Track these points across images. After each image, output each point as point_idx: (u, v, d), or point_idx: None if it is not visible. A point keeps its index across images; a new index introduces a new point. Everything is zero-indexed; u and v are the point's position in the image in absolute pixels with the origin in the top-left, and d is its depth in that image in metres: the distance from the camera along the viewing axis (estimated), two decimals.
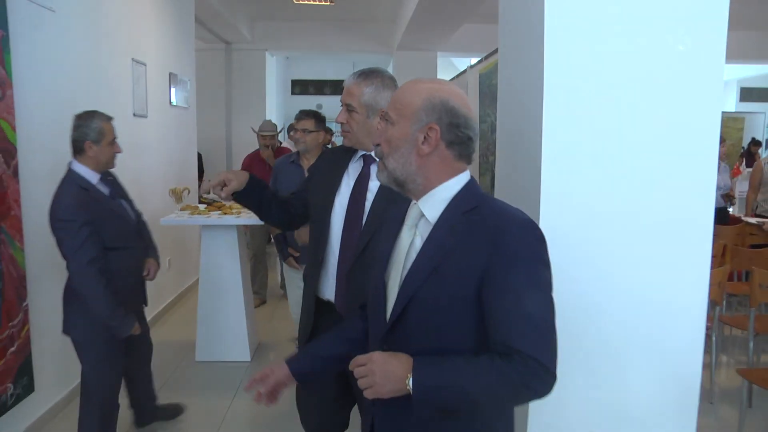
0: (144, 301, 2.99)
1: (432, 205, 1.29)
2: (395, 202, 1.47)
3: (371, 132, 1.90)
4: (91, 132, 2.64)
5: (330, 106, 14.71)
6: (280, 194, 2.36)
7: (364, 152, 2.01)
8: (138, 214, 2.99)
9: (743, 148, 10.99)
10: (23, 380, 3.03)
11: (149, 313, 4.24)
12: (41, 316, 3.16)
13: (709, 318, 3.67)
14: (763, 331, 3.55)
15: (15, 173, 2.95)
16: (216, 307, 4.06)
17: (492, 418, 1.30)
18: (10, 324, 2.91)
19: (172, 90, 5.53)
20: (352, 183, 2.01)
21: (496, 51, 4.99)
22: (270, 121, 5.41)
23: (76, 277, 2.56)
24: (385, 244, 1.38)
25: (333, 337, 1.55)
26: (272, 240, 4.34)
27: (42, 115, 3.22)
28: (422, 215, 1.31)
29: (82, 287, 2.55)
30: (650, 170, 2.12)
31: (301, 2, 8.33)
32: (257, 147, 5.35)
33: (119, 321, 2.61)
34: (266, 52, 10.02)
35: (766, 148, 9.08)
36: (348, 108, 1.95)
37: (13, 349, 2.93)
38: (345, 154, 2.08)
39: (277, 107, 11.59)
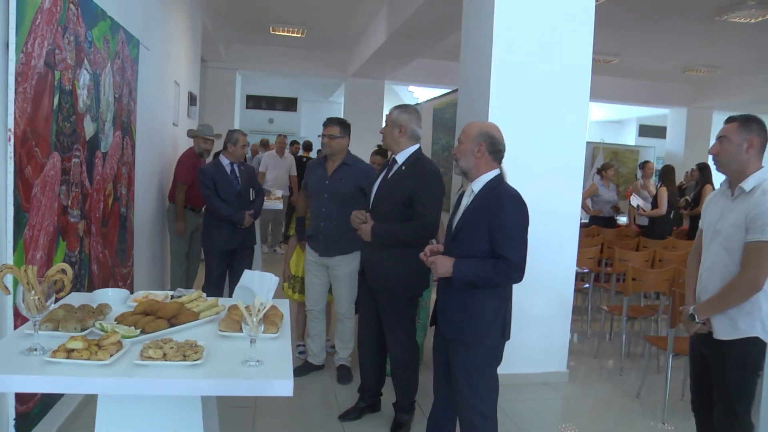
0: (253, 239, 4.90)
1: (477, 184, 2.47)
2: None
3: (394, 138, 3.25)
4: (232, 138, 4.65)
5: (280, 120, 16.07)
6: (309, 190, 3.97)
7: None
8: (250, 188, 4.86)
9: (635, 176, 13.34)
10: None
11: None
12: (139, 259, 4.51)
13: (586, 282, 5.54)
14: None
15: (134, 162, 4.30)
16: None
17: (490, 293, 2.44)
18: (129, 263, 4.25)
19: (189, 105, 6.88)
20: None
21: (451, 92, 6.78)
22: (211, 126, 5.88)
23: (208, 202, 4.62)
24: (455, 208, 2.61)
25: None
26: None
27: (143, 122, 4.58)
28: (472, 190, 2.50)
29: (214, 209, 4.60)
30: (542, 174, 3.90)
31: (276, 32, 9.81)
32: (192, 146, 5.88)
33: (235, 216, 4.60)
34: (237, 71, 11.37)
35: (655, 177, 11.13)
36: (385, 123, 3.31)
37: (129, 280, 4.27)
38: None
39: (240, 119, 12.85)
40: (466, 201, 2.52)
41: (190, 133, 5.57)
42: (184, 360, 1.47)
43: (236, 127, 11.86)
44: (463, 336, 2.47)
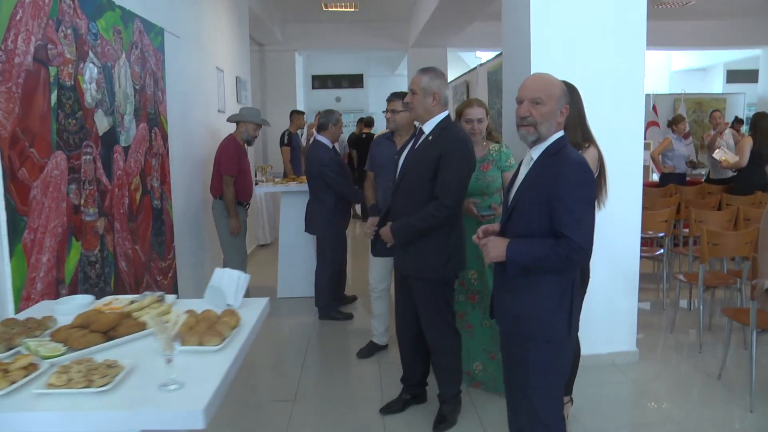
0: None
1: (537, 150, 2.06)
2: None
3: (427, 107, 2.92)
4: (332, 119, 4.73)
5: (348, 98, 15.94)
6: (375, 164, 3.78)
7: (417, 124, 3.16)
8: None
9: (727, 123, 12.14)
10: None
11: None
12: (181, 252, 4.48)
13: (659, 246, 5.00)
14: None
15: (167, 152, 4.24)
16: (294, 256, 5.35)
17: (551, 278, 2.04)
18: (168, 257, 4.22)
19: (238, 90, 6.83)
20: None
21: (500, 54, 6.31)
22: (258, 110, 5.73)
23: (340, 187, 4.68)
24: (512, 180, 2.21)
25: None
26: None
27: (176, 112, 4.51)
28: (531, 157, 2.08)
29: (351, 193, 4.79)
30: (596, 132, 3.44)
31: (329, 9, 9.59)
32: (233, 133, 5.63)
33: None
34: (295, 52, 11.29)
35: (746, 125, 10.10)
36: (411, 92, 2.96)
37: (170, 274, 4.25)
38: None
39: (304, 101, 12.83)
40: (524, 170, 2.13)
41: (235, 118, 5.08)
42: (89, 386, 1.25)
43: (301, 107, 11.85)
44: (520, 328, 2.11)
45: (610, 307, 3.76)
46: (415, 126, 3.40)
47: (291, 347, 4.40)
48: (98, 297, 3.07)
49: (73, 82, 2.84)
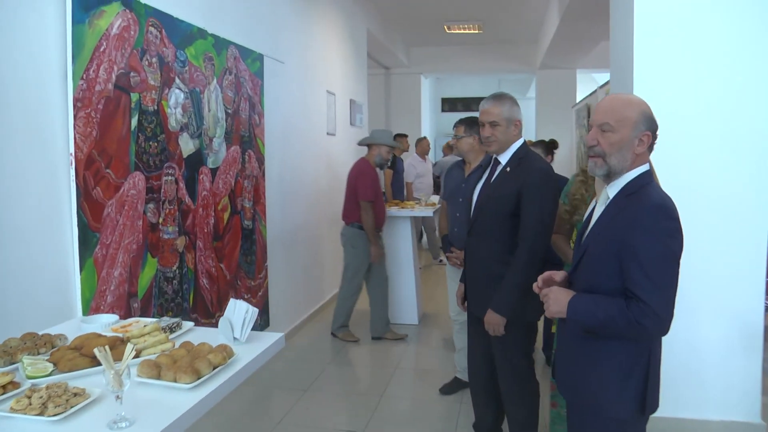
0: None
1: (614, 188, 1.73)
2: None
3: (509, 138, 2.71)
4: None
5: None
6: (446, 193, 3.59)
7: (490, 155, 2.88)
8: None
9: None
10: (264, 316, 4.44)
11: (338, 286, 5.54)
12: (274, 272, 4.58)
13: None
14: None
15: (263, 174, 4.37)
16: (393, 280, 5.28)
17: (620, 345, 1.69)
18: (259, 276, 4.32)
19: (352, 112, 6.95)
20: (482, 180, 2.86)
21: None
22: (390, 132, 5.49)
23: None
24: (586, 222, 1.87)
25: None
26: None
27: (275, 135, 4.65)
28: (608, 196, 1.74)
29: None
30: (716, 161, 3.00)
31: (452, 31, 9.53)
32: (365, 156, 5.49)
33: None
34: (421, 75, 11.35)
35: None
36: (491, 124, 2.72)
37: (260, 293, 4.35)
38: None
39: (429, 124, 12.86)
40: (599, 211, 1.79)
41: (367, 141, 4.88)
42: (41, 414, 1.24)
43: (426, 130, 11.88)
44: (579, 399, 1.81)
45: (726, 369, 3.21)
46: (486, 152, 3.15)
47: (376, 374, 4.31)
48: (175, 313, 3.20)
49: (156, 107, 3.01)
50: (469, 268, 2.84)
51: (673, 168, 2.84)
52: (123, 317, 2.75)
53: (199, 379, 1.42)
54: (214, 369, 1.49)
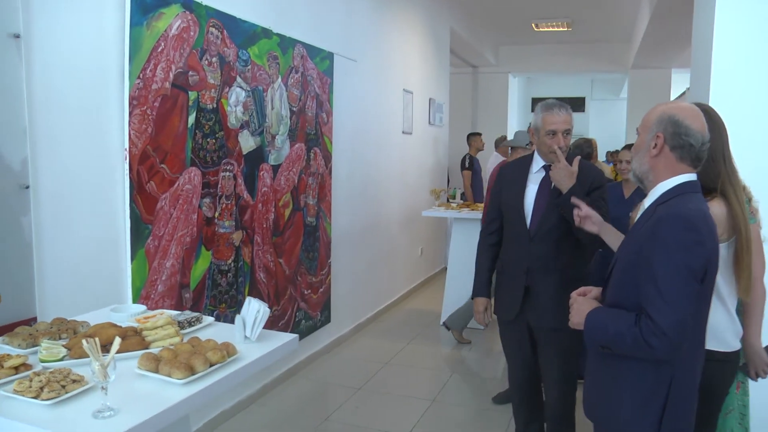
0: None
1: (650, 198, 1.66)
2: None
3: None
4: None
5: None
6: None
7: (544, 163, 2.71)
8: None
9: None
10: (325, 313, 4.47)
11: (404, 288, 5.50)
12: (338, 269, 4.61)
13: None
14: None
15: (330, 172, 4.41)
16: (461, 285, 5.15)
17: (638, 368, 1.57)
18: (321, 272, 4.36)
19: (431, 112, 6.88)
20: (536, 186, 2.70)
21: None
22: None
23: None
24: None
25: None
26: None
27: (345, 133, 4.67)
28: (643, 206, 1.68)
29: None
30: None
31: (541, 29, 9.20)
32: (505, 159, 5.72)
33: None
34: (509, 74, 11.05)
35: None
36: (568, 132, 2.62)
37: (322, 289, 4.39)
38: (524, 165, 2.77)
39: (518, 124, 12.51)
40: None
41: (509, 144, 4.75)
42: (36, 397, 1.29)
43: (514, 130, 11.55)
44: (597, 419, 1.72)
45: None
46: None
47: (432, 377, 4.23)
48: (229, 305, 3.29)
49: (215, 105, 3.10)
50: (533, 272, 2.63)
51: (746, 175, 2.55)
52: (173, 307, 2.86)
53: (193, 375, 1.43)
54: (210, 366, 1.50)
